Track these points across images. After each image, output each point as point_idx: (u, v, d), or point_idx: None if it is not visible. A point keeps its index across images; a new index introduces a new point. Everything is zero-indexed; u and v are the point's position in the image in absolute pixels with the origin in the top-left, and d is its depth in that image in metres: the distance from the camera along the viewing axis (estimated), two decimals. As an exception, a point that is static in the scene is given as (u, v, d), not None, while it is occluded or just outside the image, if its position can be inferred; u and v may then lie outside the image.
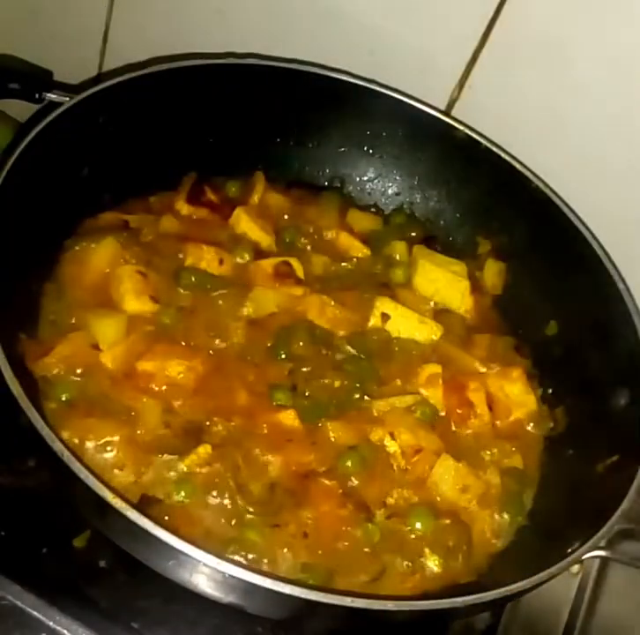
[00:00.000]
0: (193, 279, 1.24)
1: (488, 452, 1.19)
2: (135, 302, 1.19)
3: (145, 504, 1.01)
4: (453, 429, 1.20)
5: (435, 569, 1.08)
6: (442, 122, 1.37)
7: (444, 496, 1.13)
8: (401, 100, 1.38)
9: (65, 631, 1.00)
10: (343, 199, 1.46)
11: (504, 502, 1.15)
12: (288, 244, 1.35)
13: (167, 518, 1.02)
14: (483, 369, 1.27)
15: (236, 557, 1.02)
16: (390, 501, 1.12)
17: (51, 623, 1.00)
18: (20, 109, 1.51)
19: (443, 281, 1.33)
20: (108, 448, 1.06)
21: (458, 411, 1.21)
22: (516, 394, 1.24)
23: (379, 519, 1.09)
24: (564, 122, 1.31)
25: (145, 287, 1.20)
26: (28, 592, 1.00)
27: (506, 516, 1.15)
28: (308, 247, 1.36)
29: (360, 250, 1.38)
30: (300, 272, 1.29)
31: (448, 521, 1.10)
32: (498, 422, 1.22)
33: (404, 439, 1.14)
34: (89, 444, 1.06)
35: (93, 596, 1.05)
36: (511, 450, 1.20)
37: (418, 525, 1.09)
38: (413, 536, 1.09)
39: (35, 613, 1.00)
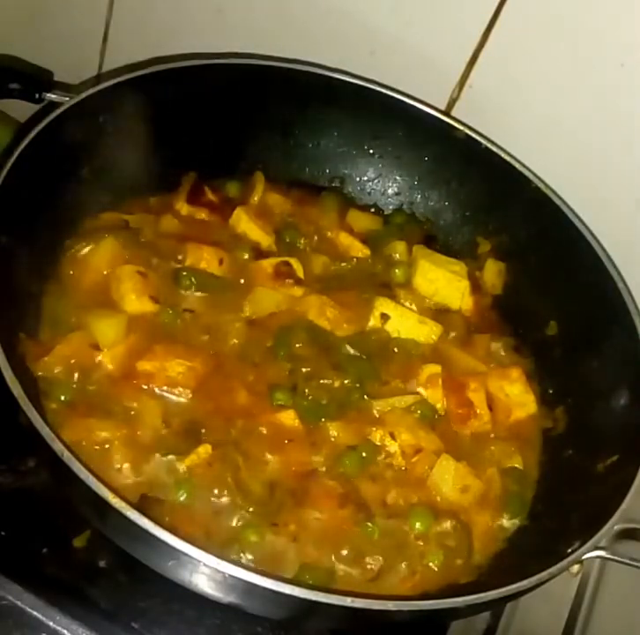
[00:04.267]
0: (193, 279, 1.23)
1: (488, 452, 1.19)
2: (135, 303, 1.18)
3: (145, 504, 1.01)
4: (453, 429, 1.20)
5: (435, 569, 1.08)
6: (442, 122, 1.37)
7: (444, 497, 1.13)
8: (401, 100, 1.38)
9: (65, 631, 1.00)
10: (343, 199, 1.46)
11: (504, 502, 1.15)
12: (288, 244, 1.35)
13: (167, 518, 1.02)
14: (483, 369, 1.26)
15: (236, 557, 1.02)
16: (390, 501, 1.12)
17: (51, 623, 0.99)
18: (20, 109, 1.51)
19: (443, 281, 1.33)
20: (108, 448, 1.06)
21: (458, 411, 1.21)
22: (516, 394, 1.24)
23: (379, 519, 1.09)
24: (564, 122, 1.31)
25: (145, 287, 1.20)
26: (28, 592, 1.00)
27: (506, 516, 1.15)
28: (308, 247, 1.36)
29: (360, 250, 1.38)
30: (300, 272, 1.29)
31: (448, 521, 1.10)
32: (498, 422, 1.22)
33: (404, 439, 1.14)
34: (89, 444, 1.06)
35: (92, 596, 1.05)
36: (511, 450, 1.20)
37: (418, 525, 1.09)
38: (412, 536, 1.09)
39: (35, 613, 0.99)
